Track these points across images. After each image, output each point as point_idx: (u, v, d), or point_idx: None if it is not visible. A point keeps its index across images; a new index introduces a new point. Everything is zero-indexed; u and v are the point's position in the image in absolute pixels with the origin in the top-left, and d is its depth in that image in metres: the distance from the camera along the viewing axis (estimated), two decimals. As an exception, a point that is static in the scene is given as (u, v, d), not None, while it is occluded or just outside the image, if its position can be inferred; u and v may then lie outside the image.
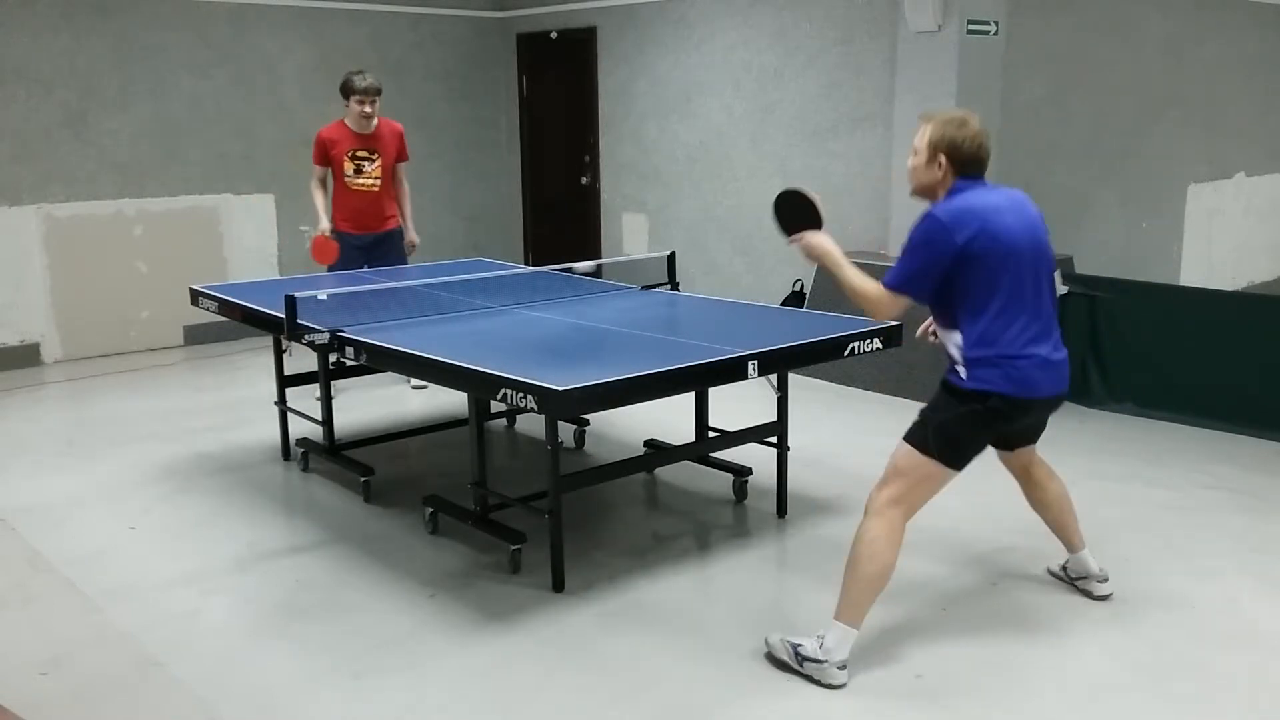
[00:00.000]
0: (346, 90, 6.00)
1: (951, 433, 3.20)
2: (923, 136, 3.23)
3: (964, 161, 3.19)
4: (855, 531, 3.23)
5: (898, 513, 3.20)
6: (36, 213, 7.11)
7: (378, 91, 6.00)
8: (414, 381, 6.32)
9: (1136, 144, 7.85)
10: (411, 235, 6.43)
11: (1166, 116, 8.11)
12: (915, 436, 3.24)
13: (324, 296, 4.43)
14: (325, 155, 6.06)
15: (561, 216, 9.16)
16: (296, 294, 4.27)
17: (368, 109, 5.96)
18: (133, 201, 7.46)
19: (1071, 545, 3.68)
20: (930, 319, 3.42)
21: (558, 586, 3.75)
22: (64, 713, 3.08)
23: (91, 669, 3.30)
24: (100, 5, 7.19)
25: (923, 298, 3.19)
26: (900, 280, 3.15)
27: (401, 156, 6.27)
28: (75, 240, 7.26)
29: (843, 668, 3.15)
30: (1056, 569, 3.81)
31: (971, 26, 5.91)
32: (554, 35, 8.77)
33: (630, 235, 8.51)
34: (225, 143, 7.77)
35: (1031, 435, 3.62)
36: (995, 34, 6.07)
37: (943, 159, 3.19)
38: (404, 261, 6.30)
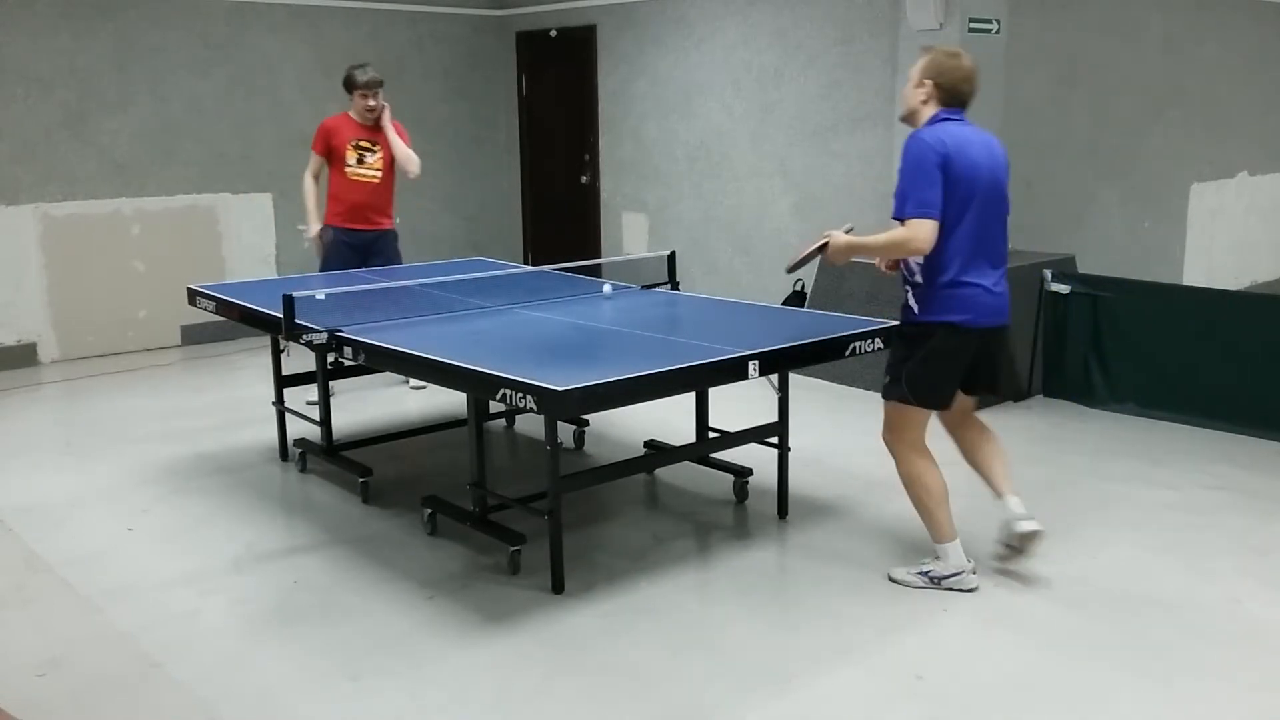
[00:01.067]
0: (349, 84, 6.02)
1: (921, 377, 3.54)
2: (918, 64, 3.51)
3: (948, 90, 3.46)
4: (899, 477, 3.71)
5: (909, 451, 3.65)
6: (34, 212, 7.10)
7: (380, 84, 6.01)
8: (413, 381, 6.31)
9: (1138, 143, 7.85)
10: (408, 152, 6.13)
11: (1168, 116, 8.10)
12: (892, 393, 3.61)
13: (322, 296, 4.42)
14: (327, 144, 6.02)
15: (561, 216, 9.15)
16: (294, 294, 4.26)
17: (371, 102, 5.97)
18: (130, 201, 7.45)
19: (998, 489, 3.78)
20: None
21: (557, 587, 3.74)
22: (63, 713, 3.07)
23: (91, 669, 3.29)
24: (100, 5, 7.18)
25: (936, 211, 3.35)
26: (910, 205, 3.37)
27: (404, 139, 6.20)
28: (72, 240, 7.25)
29: (973, 571, 3.66)
30: (1000, 548, 3.85)
31: (973, 25, 5.91)
32: (554, 34, 8.76)
33: (630, 235, 8.50)
34: (223, 142, 7.76)
35: (983, 377, 3.70)
36: (997, 33, 6.06)
37: (929, 83, 3.47)
38: (400, 262, 6.27)
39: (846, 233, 3.69)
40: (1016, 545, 3.72)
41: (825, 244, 3.67)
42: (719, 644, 3.40)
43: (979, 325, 3.52)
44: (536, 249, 9.39)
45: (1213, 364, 5.56)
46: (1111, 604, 3.62)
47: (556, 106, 9.00)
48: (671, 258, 5.22)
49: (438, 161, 8.91)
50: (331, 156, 6.05)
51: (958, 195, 3.37)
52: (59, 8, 7.04)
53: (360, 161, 6.05)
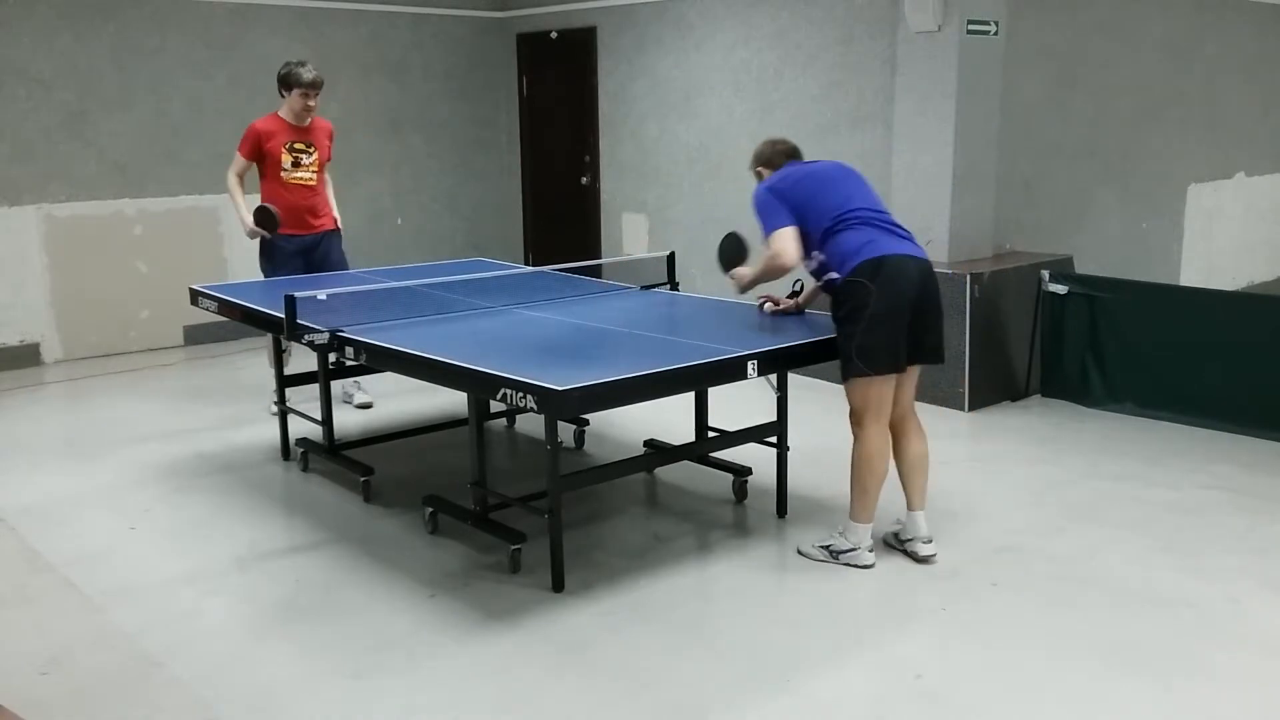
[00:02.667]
0: (289, 82, 5.64)
1: (867, 343, 3.68)
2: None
3: (766, 163, 4.20)
4: (852, 453, 3.85)
5: (875, 429, 3.80)
6: (36, 213, 7.11)
7: (321, 85, 5.73)
8: (358, 398, 6.10)
9: (1136, 144, 7.85)
10: (334, 213, 6.03)
11: (1167, 116, 8.11)
12: (848, 372, 3.75)
13: (324, 296, 4.43)
14: (258, 148, 5.69)
15: (561, 216, 9.16)
16: (296, 294, 4.27)
17: (311, 103, 5.69)
18: (133, 201, 7.46)
19: (910, 502, 3.97)
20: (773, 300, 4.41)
21: (557, 586, 3.75)
22: (64, 713, 3.08)
23: (91, 669, 3.30)
24: (100, 5, 7.19)
25: (789, 222, 3.84)
26: (767, 228, 3.90)
27: (328, 155, 5.97)
28: (75, 240, 7.26)
29: (870, 550, 3.87)
30: (889, 536, 4.07)
31: (972, 26, 5.91)
32: (554, 35, 8.77)
33: (630, 235, 8.51)
34: (225, 143, 7.71)
35: (921, 351, 3.83)
36: (995, 34, 6.07)
37: (760, 170, 4.19)
38: (345, 264, 6.03)
39: (793, 295, 4.38)
40: (905, 550, 3.99)
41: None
42: (719, 643, 3.41)
43: (897, 254, 3.74)
44: (536, 249, 9.40)
45: (1211, 364, 5.56)
46: (1111, 604, 3.63)
47: (557, 107, 9.01)
48: (671, 258, 5.23)
49: (438, 162, 8.93)
50: (264, 161, 5.73)
51: (806, 190, 3.90)
52: (59, 8, 7.05)
53: (296, 165, 5.76)
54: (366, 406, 6.11)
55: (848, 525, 3.90)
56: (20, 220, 7.06)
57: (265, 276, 5.86)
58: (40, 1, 6.97)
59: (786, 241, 3.82)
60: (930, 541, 3.95)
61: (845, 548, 3.89)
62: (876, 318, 3.67)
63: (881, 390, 3.76)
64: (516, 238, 9.49)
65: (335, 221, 6.05)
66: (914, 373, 3.92)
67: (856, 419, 3.82)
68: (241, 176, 5.85)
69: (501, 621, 3.56)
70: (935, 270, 3.87)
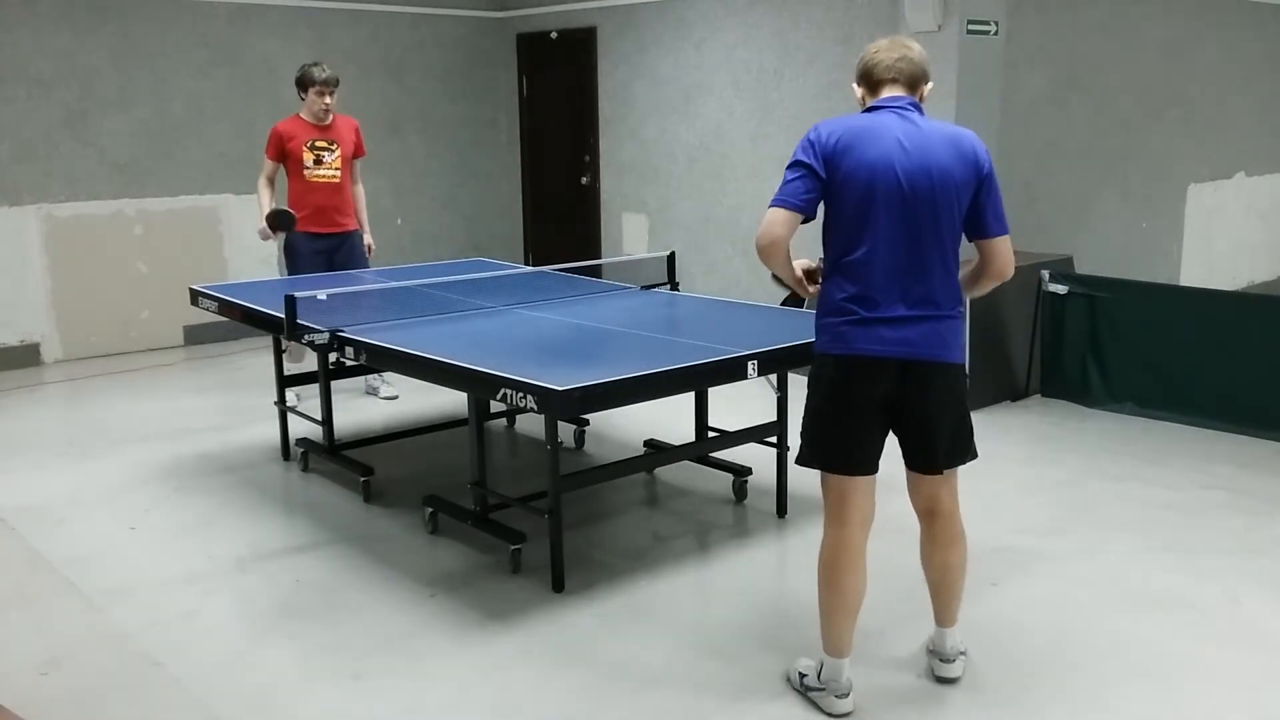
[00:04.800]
0: (305, 82, 5.84)
1: (809, 429, 2.93)
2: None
3: (862, 76, 2.97)
4: None
5: (833, 532, 2.94)
6: (37, 213, 7.11)
7: (336, 83, 5.88)
8: (383, 391, 6.24)
9: (1136, 144, 7.85)
10: (369, 239, 6.23)
11: (1166, 116, 8.11)
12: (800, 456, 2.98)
13: (324, 296, 4.43)
14: (281, 149, 5.86)
15: (561, 216, 9.16)
16: (296, 294, 4.27)
17: (327, 100, 5.83)
18: (133, 201, 7.46)
19: (939, 618, 3.17)
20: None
21: (558, 586, 3.75)
22: (64, 712, 3.08)
23: (92, 668, 3.30)
24: (100, 5, 7.19)
25: (795, 200, 2.82)
26: (776, 198, 2.84)
27: (358, 151, 6.11)
28: (75, 240, 7.26)
29: (843, 696, 2.96)
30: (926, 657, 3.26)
31: (971, 26, 5.91)
32: (554, 35, 8.77)
33: (630, 235, 8.51)
34: (225, 143, 7.77)
35: (910, 440, 2.97)
36: (995, 34, 6.07)
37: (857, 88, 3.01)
38: (366, 265, 6.12)
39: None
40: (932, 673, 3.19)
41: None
42: (719, 643, 3.41)
43: (864, 354, 2.81)
44: (537, 249, 9.40)
45: (1211, 364, 5.57)
46: (1111, 604, 3.63)
47: (557, 107, 9.01)
48: (671, 258, 5.23)
49: (438, 162, 8.93)
50: (287, 161, 5.89)
51: (850, 195, 2.80)
52: (60, 8, 7.05)
53: (318, 162, 5.89)
54: (393, 399, 6.20)
55: (822, 657, 3.03)
56: (20, 220, 7.06)
57: (288, 274, 5.93)
58: (40, 1, 6.97)
59: (768, 225, 2.82)
60: (953, 661, 3.14)
61: (814, 685, 3.03)
62: (819, 394, 2.92)
63: (830, 485, 2.93)
64: (516, 238, 9.49)
65: (357, 223, 6.13)
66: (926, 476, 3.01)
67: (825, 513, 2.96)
68: (271, 180, 5.97)
69: (502, 621, 3.56)
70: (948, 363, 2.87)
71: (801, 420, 2.99)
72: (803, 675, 3.10)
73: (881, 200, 2.79)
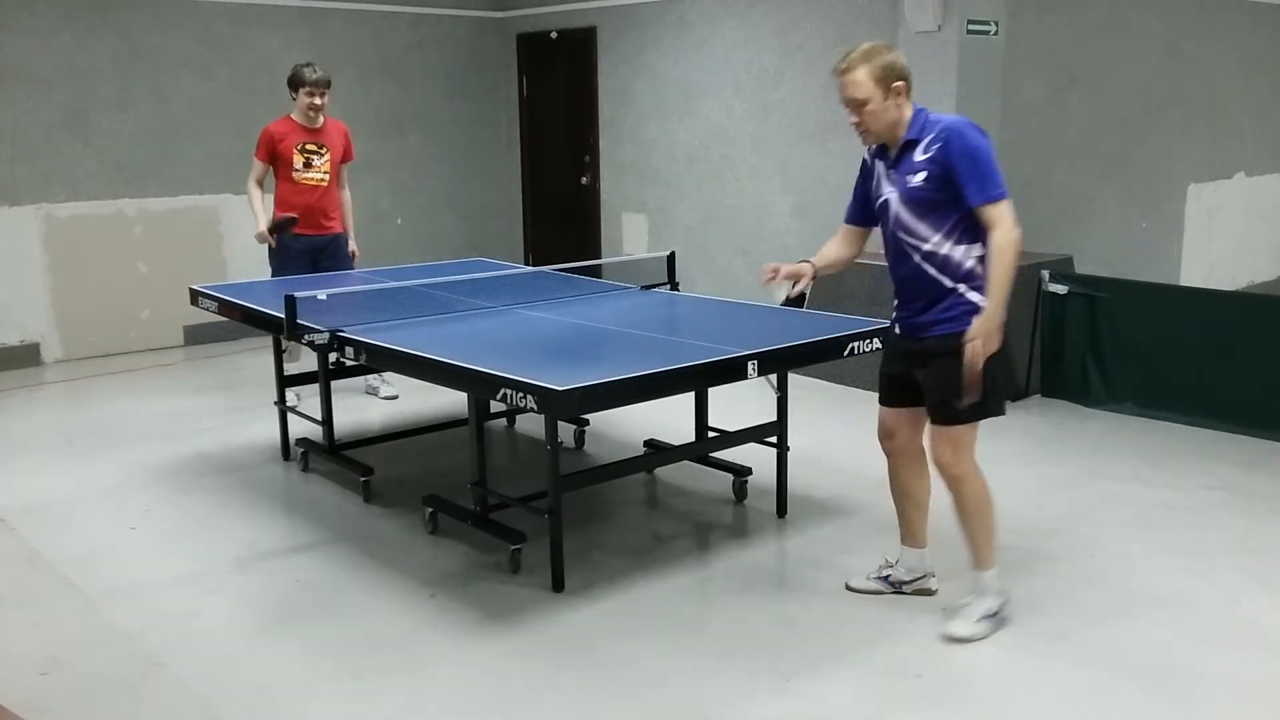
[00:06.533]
0: (295, 82, 5.80)
1: (999, 385, 3.28)
2: (861, 84, 3.16)
3: (908, 83, 3.20)
4: (966, 503, 3.40)
5: (977, 469, 3.40)
6: (36, 213, 7.12)
7: (328, 84, 5.84)
8: (383, 390, 6.25)
9: (1136, 144, 7.85)
10: (353, 245, 6.20)
11: (1166, 116, 8.11)
12: (978, 413, 3.32)
13: (324, 296, 4.43)
14: (272, 150, 5.81)
15: (561, 216, 9.16)
16: (296, 294, 4.27)
17: (317, 101, 5.80)
18: (133, 201, 7.46)
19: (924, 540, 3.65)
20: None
21: (558, 586, 3.75)
22: (64, 713, 3.08)
23: (91, 669, 3.30)
24: (100, 5, 7.19)
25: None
26: (997, 186, 3.12)
27: (347, 155, 6.09)
28: (75, 240, 7.26)
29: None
30: (879, 579, 3.69)
31: (971, 26, 5.91)
32: (554, 35, 8.77)
33: (630, 235, 8.51)
34: (225, 143, 7.76)
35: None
36: (995, 34, 6.07)
37: (899, 85, 3.16)
38: (351, 268, 6.09)
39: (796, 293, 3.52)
40: (909, 591, 3.65)
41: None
42: (719, 643, 3.41)
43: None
44: (537, 249, 9.40)
45: (1210, 364, 5.56)
46: (1110, 604, 3.63)
47: (557, 107, 9.01)
48: (671, 258, 5.23)
49: (438, 162, 8.93)
50: (277, 163, 5.85)
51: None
52: (59, 8, 7.05)
53: (308, 165, 5.87)
54: (393, 399, 6.20)
55: (986, 578, 3.42)
56: (20, 220, 7.07)
57: (274, 274, 5.93)
58: (40, 1, 6.97)
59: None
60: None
61: (999, 606, 3.44)
62: (1001, 353, 3.28)
63: (976, 433, 3.39)
64: (516, 238, 9.49)
65: (341, 226, 6.12)
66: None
67: (958, 459, 3.34)
68: (261, 181, 5.96)
69: (501, 621, 3.56)
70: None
71: (987, 384, 3.19)
72: (995, 612, 3.41)
73: None
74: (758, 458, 4.57)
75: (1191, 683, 3.14)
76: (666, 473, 4.92)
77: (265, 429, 5.55)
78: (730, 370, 3.64)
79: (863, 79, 3.15)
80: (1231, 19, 8.66)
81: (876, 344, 4.00)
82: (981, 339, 3.15)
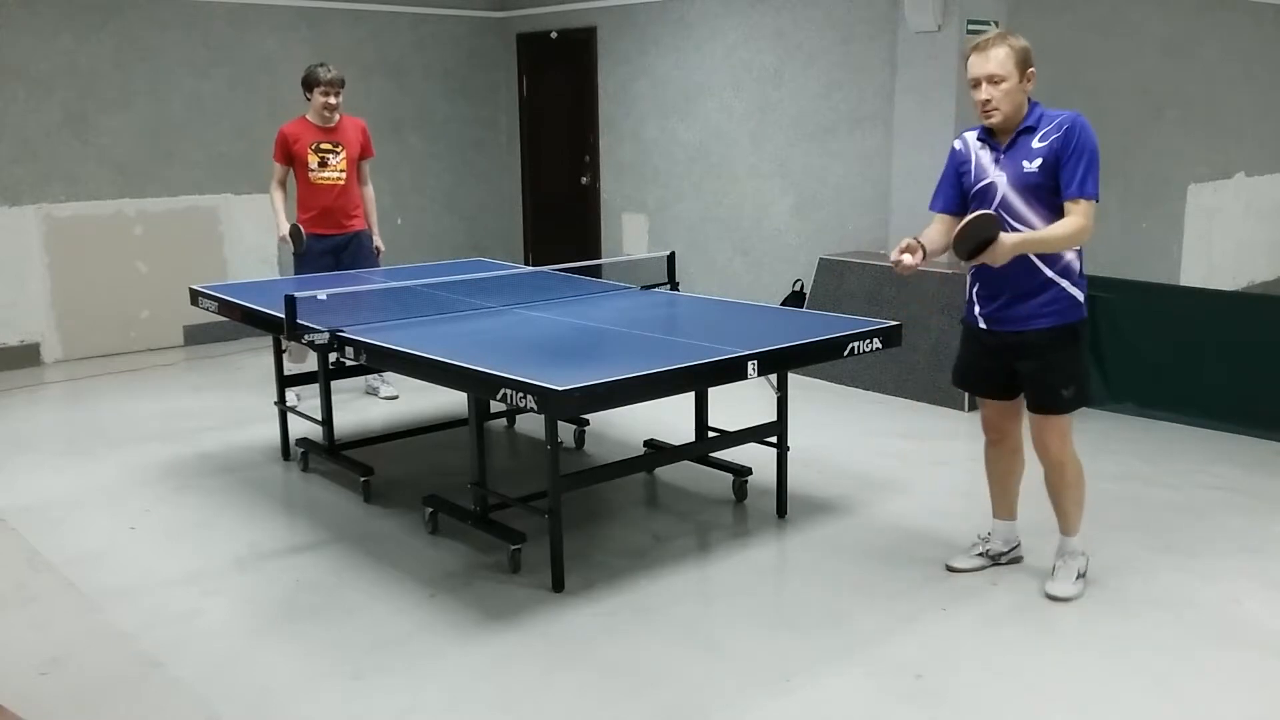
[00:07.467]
0: (310, 82, 5.82)
1: (1089, 375, 3.56)
2: (1003, 61, 3.30)
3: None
4: (1066, 481, 3.63)
5: (1077, 456, 3.60)
6: (36, 213, 7.12)
7: (342, 83, 5.86)
8: (383, 390, 6.27)
9: (1136, 144, 7.85)
10: (378, 241, 6.21)
11: (1166, 116, 8.11)
12: (1076, 403, 3.52)
13: (324, 296, 4.43)
14: (287, 152, 5.85)
15: (561, 216, 9.16)
16: (296, 294, 4.28)
17: (332, 100, 5.81)
18: (133, 201, 7.46)
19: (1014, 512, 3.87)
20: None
21: (558, 586, 3.75)
22: (64, 713, 3.08)
23: (91, 669, 3.30)
24: (100, 5, 7.19)
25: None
26: (1093, 185, 3.28)
27: (366, 152, 6.10)
28: (75, 240, 7.26)
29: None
30: (979, 555, 3.89)
31: (971, 26, 5.91)
32: (554, 35, 8.77)
33: (630, 235, 8.51)
34: (225, 143, 7.77)
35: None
36: (995, 34, 6.06)
37: (1032, 71, 3.34)
38: (374, 265, 6.12)
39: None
40: (1005, 561, 3.88)
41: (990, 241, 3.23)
42: (719, 643, 3.41)
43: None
44: (537, 249, 9.40)
45: (1211, 364, 5.57)
46: (1111, 604, 3.63)
47: (557, 107, 9.01)
48: (671, 258, 5.23)
49: (438, 162, 8.93)
50: (294, 163, 5.88)
51: None
52: (59, 8, 7.05)
53: (323, 165, 5.88)
54: (393, 399, 6.20)
55: (1074, 543, 3.68)
56: (20, 220, 7.07)
57: (296, 273, 5.98)
58: (40, 1, 6.97)
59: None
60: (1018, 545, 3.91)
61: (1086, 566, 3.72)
62: (1085, 360, 3.61)
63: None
64: (516, 238, 9.49)
65: (364, 223, 6.13)
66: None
67: (1062, 445, 3.56)
68: (282, 183, 5.99)
69: (501, 621, 3.56)
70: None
71: (1084, 370, 3.51)
72: (1084, 572, 3.66)
73: None
74: (758, 458, 4.57)
75: (1192, 683, 3.14)
76: (666, 473, 4.92)
77: (265, 429, 5.55)
78: (730, 370, 3.64)
79: (1004, 57, 3.29)
80: (1231, 19, 8.66)
81: (877, 344, 4.00)
82: (994, 249, 3.21)
